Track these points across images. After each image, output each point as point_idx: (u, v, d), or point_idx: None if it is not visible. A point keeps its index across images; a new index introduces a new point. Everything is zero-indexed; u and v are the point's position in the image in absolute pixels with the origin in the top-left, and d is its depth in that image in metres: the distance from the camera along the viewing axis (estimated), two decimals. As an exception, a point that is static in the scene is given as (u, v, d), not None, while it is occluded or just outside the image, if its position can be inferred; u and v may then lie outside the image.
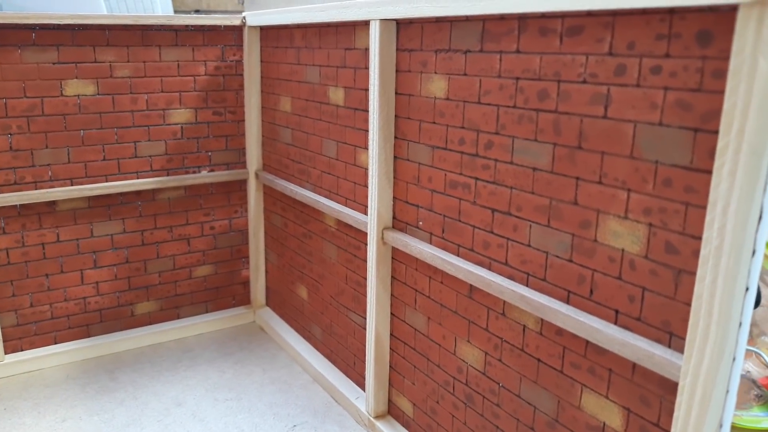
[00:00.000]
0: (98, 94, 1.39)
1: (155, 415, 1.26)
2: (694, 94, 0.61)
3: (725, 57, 0.58)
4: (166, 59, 1.45)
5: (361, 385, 1.29)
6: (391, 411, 1.20)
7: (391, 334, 1.17)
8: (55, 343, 1.47)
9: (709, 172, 0.61)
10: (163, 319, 1.59)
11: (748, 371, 0.93)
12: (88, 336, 1.50)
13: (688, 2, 0.58)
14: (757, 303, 1.00)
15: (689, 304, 0.65)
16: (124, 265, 1.51)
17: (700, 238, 0.63)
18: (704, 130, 0.61)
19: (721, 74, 0.59)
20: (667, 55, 0.63)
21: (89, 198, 1.43)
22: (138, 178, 1.47)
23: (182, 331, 1.59)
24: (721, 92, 0.59)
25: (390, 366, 1.18)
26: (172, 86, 1.47)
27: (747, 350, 0.97)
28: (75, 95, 1.37)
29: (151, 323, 1.57)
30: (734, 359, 0.62)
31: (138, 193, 1.49)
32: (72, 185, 1.40)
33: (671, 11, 0.62)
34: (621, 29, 0.68)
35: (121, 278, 1.51)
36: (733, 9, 0.56)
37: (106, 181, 1.44)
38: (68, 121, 1.37)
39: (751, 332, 0.99)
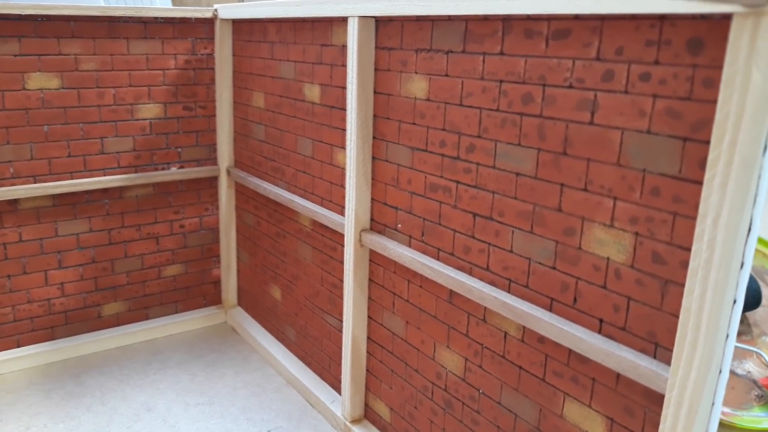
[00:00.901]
0: (63, 88, 1.34)
1: (124, 421, 1.22)
2: (684, 103, 0.60)
3: (717, 66, 0.57)
4: (135, 52, 1.40)
5: (337, 388, 1.27)
6: (368, 415, 1.18)
7: (368, 338, 1.15)
8: (18, 347, 1.41)
9: (698, 182, 0.60)
10: (131, 320, 1.54)
11: (749, 371, 0.94)
12: (53, 339, 1.45)
13: (680, 9, 0.57)
14: (758, 303, 1.00)
15: (676, 315, 0.64)
16: (91, 265, 1.46)
17: (688, 249, 0.62)
18: (694, 140, 0.60)
19: (712, 83, 0.58)
20: (657, 62, 0.62)
21: (53, 196, 1.38)
22: (105, 176, 1.42)
23: (151, 332, 1.54)
24: (712, 102, 0.58)
25: (367, 369, 1.16)
26: (140, 80, 1.42)
27: (747, 350, 0.97)
28: (38, 89, 1.31)
29: (119, 324, 1.53)
30: (721, 372, 0.61)
31: (105, 190, 1.44)
32: (35, 183, 1.34)
33: (662, 18, 0.61)
34: (609, 34, 0.66)
35: (88, 279, 1.46)
36: (726, 18, 0.55)
37: (72, 179, 1.38)
38: (31, 116, 1.32)
39: (751, 332, 0.99)
